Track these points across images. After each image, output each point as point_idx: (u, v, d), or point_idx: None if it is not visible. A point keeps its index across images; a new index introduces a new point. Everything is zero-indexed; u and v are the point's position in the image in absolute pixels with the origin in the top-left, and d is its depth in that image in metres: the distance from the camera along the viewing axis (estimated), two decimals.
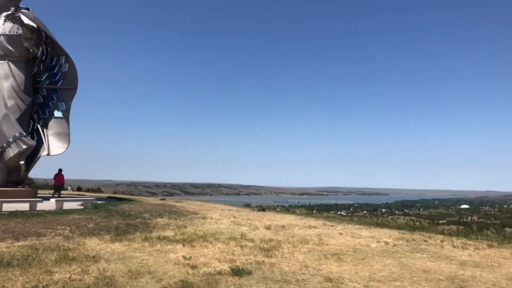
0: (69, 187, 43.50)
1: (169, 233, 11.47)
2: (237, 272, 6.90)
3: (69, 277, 6.43)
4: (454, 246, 10.03)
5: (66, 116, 23.14)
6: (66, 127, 22.96)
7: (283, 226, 13.22)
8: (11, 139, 21.11)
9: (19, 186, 21.94)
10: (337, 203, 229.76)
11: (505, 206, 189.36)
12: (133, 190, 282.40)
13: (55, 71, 23.63)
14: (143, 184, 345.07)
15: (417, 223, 15.61)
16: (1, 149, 21.12)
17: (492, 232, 13.25)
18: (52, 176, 26.72)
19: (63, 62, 23.42)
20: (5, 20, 22.17)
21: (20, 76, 22.21)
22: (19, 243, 9.39)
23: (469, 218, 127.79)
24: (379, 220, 16.00)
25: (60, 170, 26.55)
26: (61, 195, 26.27)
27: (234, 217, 15.91)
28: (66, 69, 23.36)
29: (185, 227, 12.84)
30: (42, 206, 16.36)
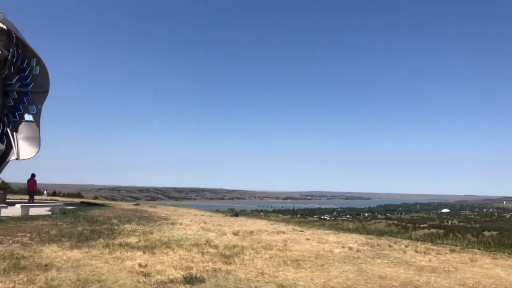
0: (44, 192, 42.58)
1: (133, 239, 11.26)
2: (190, 280, 6.76)
3: (13, 287, 6.21)
4: (416, 252, 10.05)
5: (36, 120, 22.69)
6: (36, 130, 22.50)
7: (251, 232, 13.10)
8: None
9: None
10: (321, 207, 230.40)
11: (484, 210, 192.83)
12: (116, 195, 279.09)
13: (26, 73, 23.16)
14: (126, 189, 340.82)
15: (386, 228, 15.61)
16: None
17: (458, 236, 13.36)
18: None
19: (34, 64, 22.99)
20: None
21: None
22: None
23: (450, 222, 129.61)
24: (350, 226, 16.01)
25: (32, 175, 26.00)
26: (34, 201, 25.70)
27: (205, 222, 15.74)
28: (37, 72, 22.94)
29: (152, 233, 12.63)
30: (6, 212, 15.94)
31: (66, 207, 19.78)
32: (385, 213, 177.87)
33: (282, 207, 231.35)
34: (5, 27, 21.65)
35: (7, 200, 25.67)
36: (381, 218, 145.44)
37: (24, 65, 23.12)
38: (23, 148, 22.00)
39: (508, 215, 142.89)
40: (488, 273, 7.80)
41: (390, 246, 10.92)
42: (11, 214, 15.54)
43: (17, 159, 21.84)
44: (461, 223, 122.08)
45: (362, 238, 12.39)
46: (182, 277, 6.87)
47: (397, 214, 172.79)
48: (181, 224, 15.16)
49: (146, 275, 7.10)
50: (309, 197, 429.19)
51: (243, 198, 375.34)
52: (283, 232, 13.20)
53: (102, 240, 10.91)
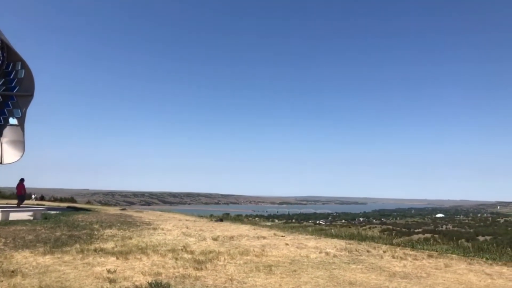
0: (32, 196, 42.22)
1: (109, 245, 11.12)
2: (155, 286, 6.65)
3: None
4: (393, 257, 9.98)
5: (21, 124, 22.52)
6: (21, 134, 22.32)
7: (231, 237, 12.99)
8: None
9: None
10: (316, 212, 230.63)
11: (478, 215, 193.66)
12: (110, 200, 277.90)
13: (11, 77, 23.00)
14: (121, 194, 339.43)
15: (369, 233, 15.54)
16: None
17: (438, 242, 13.30)
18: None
19: (19, 68, 22.83)
20: None
21: None
22: None
23: (444, 227, 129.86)
24: (332, 231, 15.93)
25: (21, 180, 25.87)
26: (22, 205, 25.55)
27: (187, 227, 15.60)
28: (23, 75, 22.76)
29: (130, 238, 12.49)
30: None
31: (49, 212, 19.57)
32: (380, 218, 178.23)
33: (277, 212, 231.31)
34: None
35: None
36: (376, 223, 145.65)
37: (9, 69, 22.99)
38: (7, 152, 21.83)
39: (502, 220, 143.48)
40: (460, 278, 7.74)
41: (368, 251, 10.85)
42: None
43: (0, 163, 21.68)
44: (456, 228, 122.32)
45: (342, 243, 12.30)
46: (147, 284, 6.75)
47: (392, 219, 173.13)
48: (162, 229, 15.01)
49: (112, 281, 6.99)
50: (304, 202, 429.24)
51: (238, 203, 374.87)
52: (264, 237, 13.10)
53: (78, 246, 10.77)
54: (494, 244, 13.05)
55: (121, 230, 14.35)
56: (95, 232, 13.48)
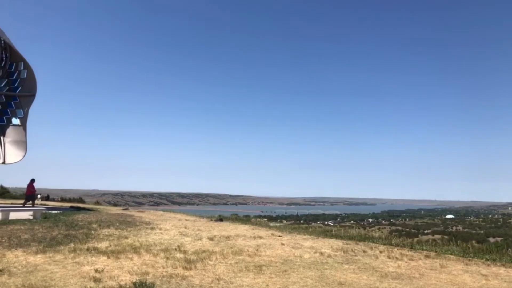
0: (38, 196, 42.45)
1: (104, 244, 11.06)
2: (139, 286, 6.56)
3: None
4: (389, 257, 9.80)
5: (23, 124, 22.63)
6: (23, 134, 22.44)
7: (228, 237, 12.88)
8: None
9: None
10: (325, 213, 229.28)
11: (489, 216, 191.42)
12: (119, 200, 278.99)
13: (14, 77, 23.15)
14: (130, 194, 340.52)
15: (378, 233, 15.31)
16: None
17: (437, 242, 13.05)
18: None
19: (22, 68, 22.95)
20: None
21: None
22: None
23: (454, 228, 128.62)
24: (333, 231, 15.75)
25: (32, 180, 26.20)
26: (27, 205, 25.92)
27: (185, 227, 15.51)
28: (25, 76, 22.89)
29: (126, 238, 12.43)
30: None
31: (50, 211, 19.62)
32: (389, 218, 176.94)
33: (285, 212, 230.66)
34: None
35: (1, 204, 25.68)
36: (385, 224, 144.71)
37: (12, 69, 23.14)
38: (10, 152, 21.95)
39: None
40: (454, 279, 7.54)
41: (364, 251, 10.67)
42: None
43: (3, 163, 21.80)
44: (466, 229, 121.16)
45: (339, 243, 12.13)
46: (132, 283, 6.66)
47: (401, 219, 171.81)
48: (160, 229, 14.94)
49: (97, 280, 6.92)
50: (313, 203, 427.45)
51: (246, 204, 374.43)
52: (260, 237, 12.96)
53: (73, 245, 10.72)
54: (506, 245, 12.76)
55: (119, 230, 14.30)
56: (92, 232, 13.44)
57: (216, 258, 9.28)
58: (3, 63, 23.36)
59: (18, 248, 10.14)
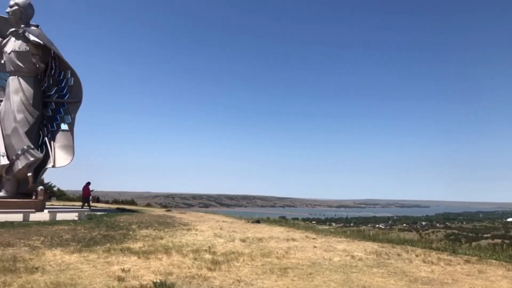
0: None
1: (138, 244, 11.34)
2: (159, 286, 6.63)
3: None
4: (424, 262, 9.34)
5: (71, 129, 23.77)
6: (70, 139, 23.55)
7: (260, 239, 12.82)
8: (19, 152, 21.86)
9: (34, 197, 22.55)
10: (375, 215, 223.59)
11: None
12: (170, 202, 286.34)
13: (62, 85, 24.41)
14: (180, 196, 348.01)
15: (432, 237, 14.72)
16: (11, 161, 21.87)
17: (482, 246, 12.29)
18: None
19: (69, 76, 24.17)
20: (15, 38, 23.19)
21: (29, 90, 23.10)
22: None
23: None
24: (371, 234, 15.26)
25: (88, 183, 27.79)
26: (90, 206, 27.59)
27: (221, 228, 15.63)
28: (72, 83, 24.09)
29: (161, 238, 12.68)
30: (35, 217, 16.69)
31: (95, 213, 20.46)
32: (444, 222, 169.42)
33: (335, 215, 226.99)
34: (41, 42, 22.96)
35: (53, 206, 27.14)
36: (440, 227, 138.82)
37: (61, 77, 24.42)
38: (59, 156, 23.10)
39: None
40: (490, 285, 7.06)
41: (399, 255, 10.24)
42: (39, 219, 16.23)
43: (53, 166, 22.97)
44: None
45: (375, 246, 11.74)
46: (152, 283, 6.75)
47: (457, 223, 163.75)
48: (196, 230, 15.14)
49: (121, 279, 7.07)
50: (363, 205, 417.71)
51: (294, 206, 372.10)
52: (294, 240, 12.79)
53: (108, 245, 11.06)
54: None
55: (156, 231, 14.62)
56: (130, 233, 13.82)
57: (244, 259, 9.24)
58: (53, 71, 24.69)
59: (58, 247, 10.59)
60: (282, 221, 19.10)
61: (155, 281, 6.92)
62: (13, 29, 23.33)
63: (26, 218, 16.04)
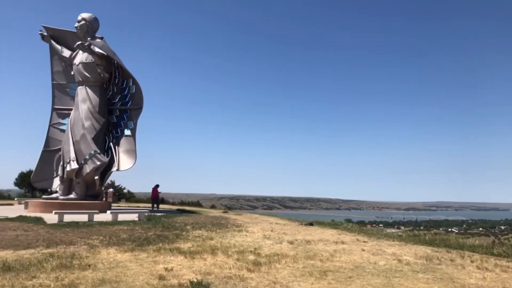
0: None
1: (188, 244, 11.71)
2: (195, 285, 6.82)
3: (40, 283, 6.89)
4: (478, 268, 8.76)
5: (133, 134, 25.06)
6: (133, 144, 24.82)
7: (308, 241, 12.69)
8: (87, 156, 23.41)
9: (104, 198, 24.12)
10: (448, 219, 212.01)
11: None
12: (235, 204, 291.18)
13: (125, 93, 25.83)
14: (244, 198, 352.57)
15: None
16: (80, 165, 23.49)
17: None
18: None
19: (131, 84, 25.50)
20: (82, 50, 24.98)
21: (95, 99, 24.71)
22: (45, 250, 10.30)
23: None
24: (427, 238, 14.53)
25: (157, 186, 29.39)
26: (158, 207, 29.14)
27: (272, 230, 15.68)
28: (133, 91, 25.40)
29: (212, 239, 12.98)
30: (99, 217, 17.72)
31: (155, 214, 21.38)
32: None
33: (403, 218, 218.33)
34: (104, 53, 24.47)
35: (120, 207, 28.75)
36: None
37: (124, 85, 25.87)
38: (122, 160, 24.47)
39: None
40: None
41: (452, 260, 9.69)
42: (102, 219, 17.25)
43: (117, 170, 24.36)
44: None
45: (428, 250, 11.19)
46: (189, 282, 6.96)
47: None
48: (247, 231, 15.31)
49: (162, 278, 7.36)
50: (434, 208, 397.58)
51: (360, 209, 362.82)
52: (343, 243, 12.53)
53: (160, 245, 11.53)
54: None
55: (208, 231, 14.99)
56: (184, 233, 14.29)
57: (286, 261, 9.23)
58: (117, 80, 26.22)
59: (113, 246, 11.19)
60: (337, 224, 18.75)
61: (192, 280, 7.14)
62: (80, 42, 25.09)
63: (90, 218, 17.13)
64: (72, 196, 23.53)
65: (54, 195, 24.26)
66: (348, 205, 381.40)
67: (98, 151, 23.68)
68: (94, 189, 24.26)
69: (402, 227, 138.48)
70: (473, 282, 7.36)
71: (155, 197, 30.08)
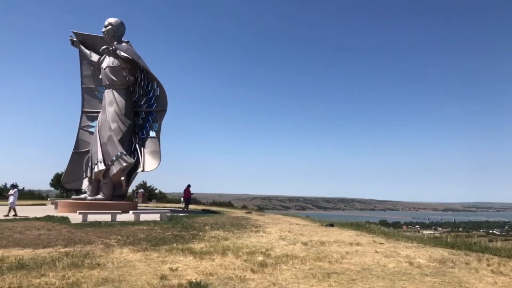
0: (182, 199, 46.88)
1: (201, 245, 11.80)
2: (194, 285, 6.87)
3: (46, 282, 7.11)
4: (493, 272, 8.40)
5: (158, 135, 25.51)
6: (157, 145, 25.28)
7: (323, 242, 12.53)
8: (114, 158, 24.02)
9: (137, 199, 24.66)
10: (489, 220, 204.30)
11: None
12: (267, 204, 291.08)
13: (150, 95, 26.35)
14: (277, 198, 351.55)
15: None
16: (107, 166, 24.14)
17: None
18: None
19: (156, 87, 25.99)
20: (108, 54, 25.71)
21: (121, 102, 25.33)
22: (63, 249, 10.64)
23: None
24: (448, 240, 14.02)
25: (188, 186, 29.93)
26: (188, 208, 29.58)
27: (289, 231, 15.57)
28: (158, 93, 25.88)
29: (226, 239, 13.03)
30: (121, 217, 18.14)
31: (176, 214, 21.67)
32: None
33: (441, 219, 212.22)
34: (129, 56, 25.08)
35: (148, 207, 29.33)
36: None
37: (149, 88, 26.41)
38: (148, 161, 24.98)
39: None
40: None
41: (467, 263, 9.32)
42: (124, 219, 17.65)
43: (142, 171, 24.89)
44: None
45: (445, 253, 10.83)
46: (187, 282, 7.01)
47: None
48: (264, 232, 15.28)
49: (163, 278, 7.45)
50: (473, 209, 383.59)
51: (395, 209, 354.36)
52: (358, 244, 12.29)
53: (174, 245, 11.67)
54: None
55: (226, 232, 15.05)
56: (201, 233, 14.41)
57: (293, 263, 9.15)
58: (142, 83, 26.79)
59: (128, 246, 11.41)
60: (360, 225, 18.41)
61: (191, 280, 7.18)
62: (105, 46, 25.82)
63: (113, 218, 17.55)
64: (99, 196, 24.20)
65: (82, 196, 25.06)
66: (383, 205, 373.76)
67: (124, 153, 24.25)
68: (121, 189, 24.87)
69: (440, 229, 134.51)
70: (482, 287, 7.06)
71: (188, 198, 30.58)
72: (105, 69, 25.76)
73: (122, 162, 23.94)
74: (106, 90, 25.93)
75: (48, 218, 17.44)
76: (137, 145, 26.11)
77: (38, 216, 18.43)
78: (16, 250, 10.28)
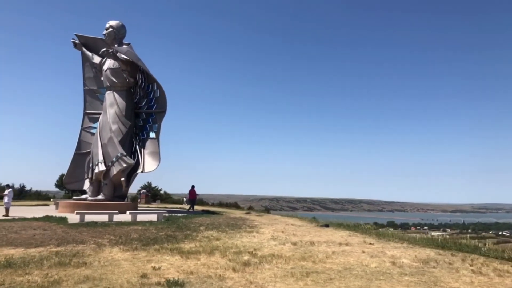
0: (184, 199, 47.14)
1: (191, 245, 11.93)
2: (172, 283, 7.00)
3: (29, 280, 7.28)
4: (473, 272, 8.43)
5: (157, 136, 25.70)
6: (157, 146, 25.47)
7: (313, 243, 12.61)
8: (114, 159, 24.28)
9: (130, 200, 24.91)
10: (499, 221, 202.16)
11: None
12: (275, 205, 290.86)
13: (151, 96, 26.59)
14: (285, 199, 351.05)
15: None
16: (107, 167, 24.41)
17: None
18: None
19: (155, 88, 26.22)
20: (108, 56, 26.00)
21: (122, 103, 25.61)
22: (54, 249, 10.83)
23: None
24: (439, 240, 14.01)
25: (193, 186, 30.09)
26: (193, 209, 29.71)
27: (282, 231, 15.65)
28: (158, 95, 26.10)
29: (218, 239, 13.15)
30: (119, 218, 18.33)
31: (174, 214, 21.84)
32: None
33: (449, 221, 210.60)
34: (129, 58, 25.35)
35: (149, 207, 29.55)
36: None
37: (149, 90, 26.66)
38: (147, 162, 25.19)
39: None
40: None
41: (450, 263, 9.36)
42: (121, 220, 17.84)
43: (142, 172, 25.11)
44: None
45: (431, 253, 10.86)
46: (165, 281, 7.13)
47: None
48: (258, 232, 15.38)
49: (143, 276, 7.60)
50: (483, 210, 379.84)
51: (404, 211, 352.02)
52: (347, 244, 12.36)
53: (165, 245, 11.82)
54: None
55: (219, 232, 15.17)
56: (194, 233, 14.54)
57: (277, 262, 9.26)
58: (143, 85, 27.05)
59: (119, 245, 11.55)
60: (357, 225, 18.45)
61: (169, 279, 7.31)
62: (105, 49, 26.14)
63: (110, 218, 17.76)
64: (100, 197, 24.47)
65: (83, 196, 25.37)
66: (391, 206, 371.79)
67: (125, 154, 24.50)
68: (121, 190, 25.11)
69: (448, 230, 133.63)
70: (457, 286, 7.11)
71: (193, 198, 30.73)
72: (106, 71, 26.05)
73: (122, 163, 24.19)
74: (107, 92, 26.23)
75: (46, 219, 17.72)
76: (137, 146, 26.35)
77: (37, 216, 18.71)
78: (7, 250, 10.49)
